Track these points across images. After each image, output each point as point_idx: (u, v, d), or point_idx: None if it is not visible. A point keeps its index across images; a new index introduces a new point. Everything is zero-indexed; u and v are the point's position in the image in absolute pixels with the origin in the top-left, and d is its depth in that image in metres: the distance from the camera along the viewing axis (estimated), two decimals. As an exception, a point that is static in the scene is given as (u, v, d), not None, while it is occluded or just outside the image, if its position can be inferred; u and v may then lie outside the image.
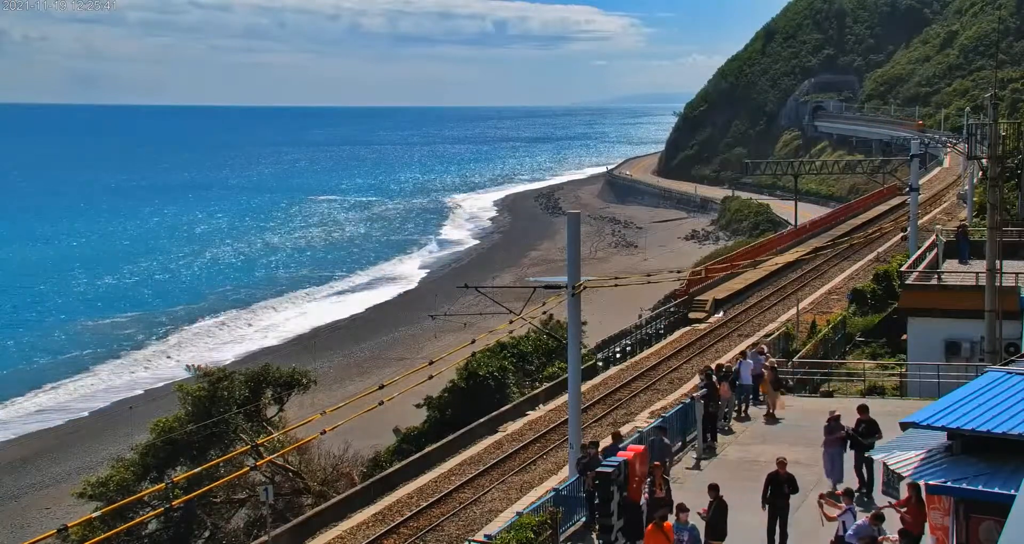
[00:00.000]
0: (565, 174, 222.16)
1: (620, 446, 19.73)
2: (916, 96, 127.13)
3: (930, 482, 13.06)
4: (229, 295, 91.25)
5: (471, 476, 30.00)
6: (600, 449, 20.09)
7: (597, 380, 39.74)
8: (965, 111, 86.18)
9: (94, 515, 24.39)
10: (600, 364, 43.81)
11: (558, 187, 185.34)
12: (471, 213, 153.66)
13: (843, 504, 16.30)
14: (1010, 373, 14.56)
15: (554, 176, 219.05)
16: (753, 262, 57.54)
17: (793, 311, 44.50)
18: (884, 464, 16.40)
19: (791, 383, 31.31)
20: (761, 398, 27.36)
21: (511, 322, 29.22)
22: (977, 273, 30.74)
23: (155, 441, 31.76)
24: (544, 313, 40.82)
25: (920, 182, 58.58)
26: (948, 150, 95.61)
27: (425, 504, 28.05)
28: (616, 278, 39.89)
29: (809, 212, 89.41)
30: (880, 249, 58.34)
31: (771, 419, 26.44)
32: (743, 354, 28.76)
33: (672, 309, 50.81)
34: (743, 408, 27.01)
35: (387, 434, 40.27)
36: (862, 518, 15.57)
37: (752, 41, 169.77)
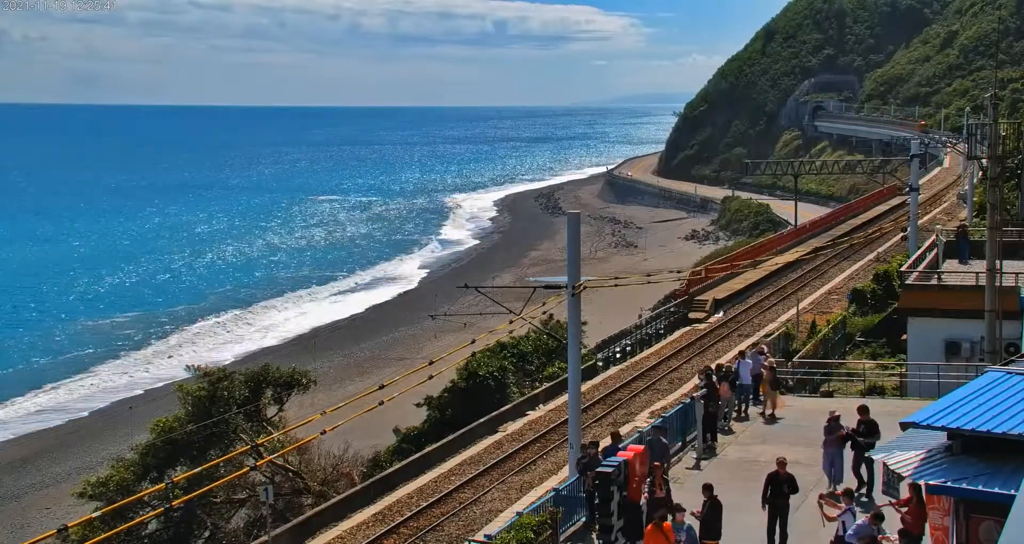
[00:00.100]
0: (565, 174, 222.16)
1: (620, 446, 19.73)
2: (916, 96, 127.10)
3: (930, 482, 13.06)
4: (229, 295, 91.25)
5: (471, 476, 29.99)
6: (600, 449, 20.09)
7: (597, 380, 39.73)
8: (965, 111, 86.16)
9: (94, 515, 24.39)
10: (600, 364, 43.79)
11: (558, 187, 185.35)
12: (471, 213, 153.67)
13: (843, 504, 16.31)
14: (1010, 373, 14.56)
15: (554, 176, 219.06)
16: (753, 262, 57.54)
17: (793, 311, 44.50)
18: (884, 464, 16.39)
19: (791, 383, 31.32)
20: (761, 398, 27.37)
21: (511, 322, 29.23)
22: (977, 273, 30.74)
23: (155, 441, 31.75)
24: (544, 313, 40.83)
25: (920, 182, 58.57)
26: (948, 150, 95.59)
27: (425, 504, 28.05)
28: (616, 278, 39.90)
29: (809, 212, 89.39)
30: (880, 249, 58.33)
31: (770, 419, 26.46)
32: (742, 354, 28.76)
33: (672, 309, 50.80)
34: (743, 408, 27.01)
35: (387, 434, 40.27)
36: (862, 518, 15.57)
37: (752, 41, 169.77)
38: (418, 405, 39.34)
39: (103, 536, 25.05)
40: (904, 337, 33.67)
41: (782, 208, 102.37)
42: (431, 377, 25.55)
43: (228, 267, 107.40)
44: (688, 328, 47.54)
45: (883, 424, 20.00)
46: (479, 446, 33.13)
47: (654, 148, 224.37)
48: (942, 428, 13.26)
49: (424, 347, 63.68)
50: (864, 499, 19.26)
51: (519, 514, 18.23)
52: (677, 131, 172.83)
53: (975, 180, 53.40)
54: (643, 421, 29.97)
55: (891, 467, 14.30)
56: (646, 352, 44.34)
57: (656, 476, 18.11)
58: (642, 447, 19.31)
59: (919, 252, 38.41)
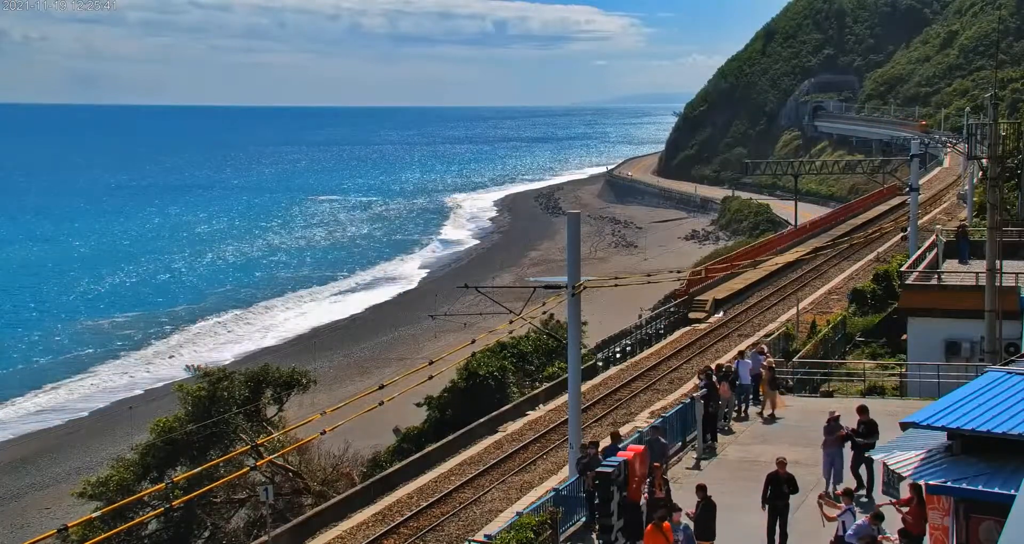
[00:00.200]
0: (565, 174, 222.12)
1: (620, 446, 19.73)
2: (916, 96, 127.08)
3: (930, 482, 13.05)
4: (229, 295, 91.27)
5: (471, 476, 30.00)
6: (600, 449, 20.09)
7: (597, 380, 39.74)
8: (965, 111, 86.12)
9: (94, 515, 24.39)
10: (600, 364, 43.79)
11: (558, 187, 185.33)
12: (471, 213, 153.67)
13: (843, 504, 16.31)
14: (1010, 373, 14.55)
15: (554, 176, 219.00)
16: (753, 262, 57.55)
17: (793, 311, 44.51)
18: (884, 464, 16.39)
19: (791, 383, 31.30)
20: (761, 398, 27.37)
21: (511, 322, 29.22)
22: (977, 273, 30.74)
23: (155, 441, 31.76)
24: (544, 313, 40.85)
25: (920, 182, 58.56)
26: (948, 150, 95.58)
27: (425, 504, 28.06)
28: (616, 278, 39.90)
29: (809, 212, 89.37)
30: (880, 249, 58.33)
31: (769, 419, 26.45)
32: (741, 354, 28.77)
33: (672, 309, 50.80)
34: (743, 408, 27.01)
35: (387, 434, 40.29)
36: (862, 518, 15.57)
37: (752, 41, 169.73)
38: (418, 405, 39.36)
39: (103, 536, 25.07)
40: (904, 337, 33.67)
41: (782, 208, 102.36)
42: (431, 377, 25.56)
43: (228, 267, 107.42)
44: (688, 328, 47.55)
45: (883, 424, 20.00)
46: (479, 446, 33.14)
47: (654, 148, 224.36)
48: (942, 428, 13.26)
49: (424, 347, 63.69)
50: (864, 499, 19.25)
51: (519, 514, 18.23)
52: (677, 131, 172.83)
53: (975, 180, 53.39)
54: (643, 421, 29.97)
55: (891, 467, 14.29)
56: (646, 352, 44.35)
57: (656, 476, 18.12)
58: (642, 447, 19.30)
59: (919, 252, 38.41)
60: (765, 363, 27.26)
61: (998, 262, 26.42)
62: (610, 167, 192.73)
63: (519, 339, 42.78)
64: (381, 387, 22.80)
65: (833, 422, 20.59)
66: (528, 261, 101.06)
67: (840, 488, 18.12)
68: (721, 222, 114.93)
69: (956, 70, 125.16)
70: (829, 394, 30.16)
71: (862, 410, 20.65)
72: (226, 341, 74.01)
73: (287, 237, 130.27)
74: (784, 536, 17.64)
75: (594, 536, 18.86)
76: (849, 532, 15.40)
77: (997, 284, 26.57)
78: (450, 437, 34.27)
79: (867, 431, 20.06)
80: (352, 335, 73.76)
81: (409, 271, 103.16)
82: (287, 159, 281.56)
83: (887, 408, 24.39)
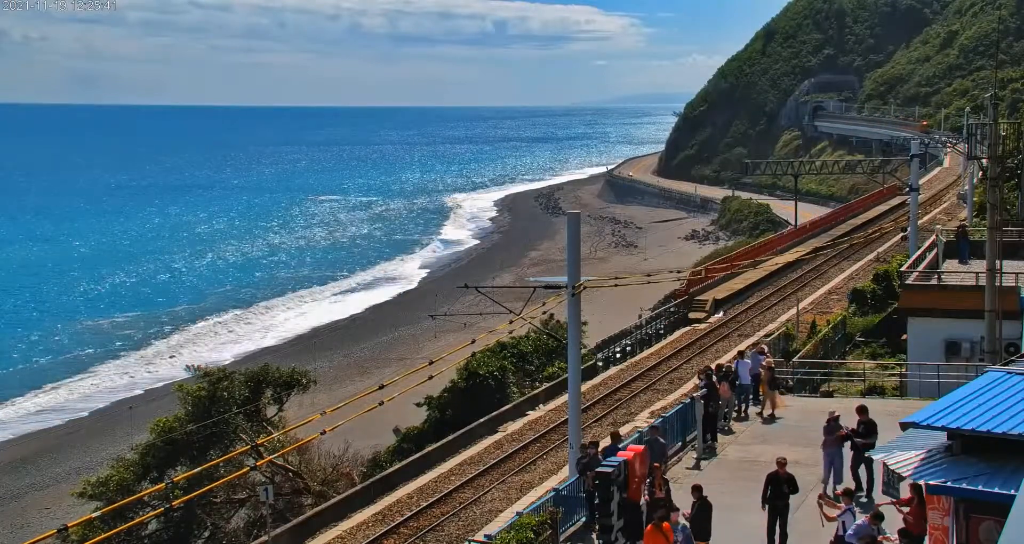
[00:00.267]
0: (565, 174, 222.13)
1: (620, 446, 19.73)
2: (916, 96, 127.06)
3: (930, 482, 13.04)
4: (229, 295, 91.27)
5: (471, 476, 30.00)
6: (600, 449, 20.09)
7: (597, 380, 39.74)
8: (965, 111, 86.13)
9: (94, 515, 24.39)
10: (600, 364, 43.80)
11: (558, 187, 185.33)
12: (471, 213, 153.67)
13: (842, 504, 16.31)
14: (1010, 373, 14.54)
15: (554, 176, 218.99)
16: (753, 262, 57.54)
17: (793, 311, 44.51)
18: (884, 464, 16.39)
19: (790, 383, 31.30)
20: (761, 398, 27.37)
21: (511, 322, 29.22)
22: (977, 273, 30.73)
23: (155, 441, 31.76)
24: (544, 313, 40.85)
25: (920, 182, 58.56)
26: (948, 150, 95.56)
27: (425, 504, 28.06)
28: (616, 278, 39.89)
29: (809, 212, 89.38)
30: (880, 249, 58.33)
31: (768, 419, 26.45)
32: (741, 354, 28.77)
33: (672, 309, 50.80)
34: (743, 408, 27.01)
35: (387, 434, 40.29)
36: (862, 518, 15.58)
37: (752, 41, 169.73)
38: (418, 405, 39.36)
39: (103, 536, 25.07)
40: (904, 337, 33.67)
41: (782, 208, 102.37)
42: (431, 377, 25.56)
43: (228, 267, 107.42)
44: (688, 328, 47.55)
45: (883, 424, 20.00)
46: (479, 446, 33.14)
47: (654, 148, 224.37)
48: (942, 428, 13.25)
49: (424, 347, 63.69)
50: (864, 499, 19.26)
51: (519, 514, 18.23)
52: (677, 131, 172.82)
53: (975, 180, 53.39)
54: (643, 421, 29.97)
55: (891, 467, 14.29)
56: (646, 352, 44.35)
57: (656, 476, 18.12)
58: (642, 447, 19.30)
59: (919, 252, 38.41)
60: (765, 363, 27.26)
61: (998, 262, 26.41)
62: (610, 167, 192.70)
63: (519, 339, 42.78)
64: (381, 387, 22.81)
65: (833, 422, 20.59)
66: (528, 261, 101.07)
67: (840, 488, 18.12)
68: (721, 222, 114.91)
69: (956, 70, 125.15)
70: (829, 394, 30.16)
71: (862, 410, 20.66)
72: (226, 341, 74.02)
73: (287, 237, 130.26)
74: (784, 536, 17.64)
75: (594, 536, 18.86)
76: (849, 532, 15.40)
77: (997, 284, 26.57)
78: (450, 437, 34.28)
79: (867, 431, 20.06)
80: (352, 335, 73.76)
81: (409, 271, 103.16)
82: (287, 159, 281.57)
83: (887, 408, 24.39)
